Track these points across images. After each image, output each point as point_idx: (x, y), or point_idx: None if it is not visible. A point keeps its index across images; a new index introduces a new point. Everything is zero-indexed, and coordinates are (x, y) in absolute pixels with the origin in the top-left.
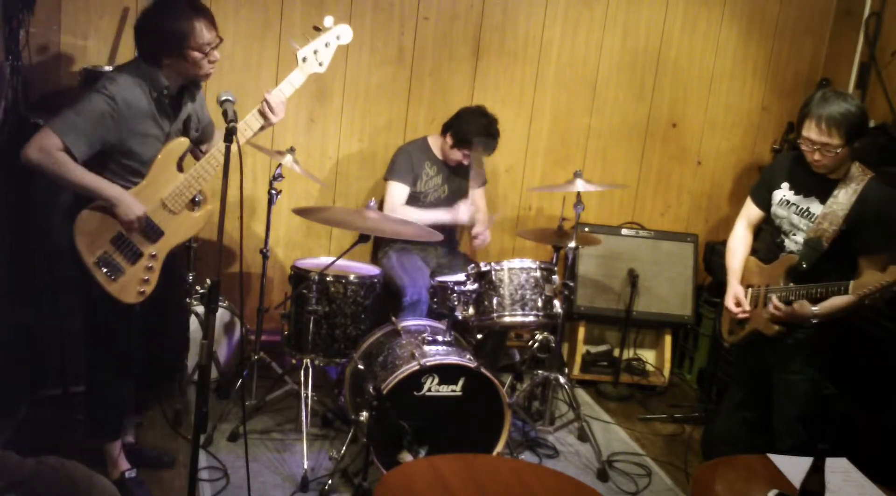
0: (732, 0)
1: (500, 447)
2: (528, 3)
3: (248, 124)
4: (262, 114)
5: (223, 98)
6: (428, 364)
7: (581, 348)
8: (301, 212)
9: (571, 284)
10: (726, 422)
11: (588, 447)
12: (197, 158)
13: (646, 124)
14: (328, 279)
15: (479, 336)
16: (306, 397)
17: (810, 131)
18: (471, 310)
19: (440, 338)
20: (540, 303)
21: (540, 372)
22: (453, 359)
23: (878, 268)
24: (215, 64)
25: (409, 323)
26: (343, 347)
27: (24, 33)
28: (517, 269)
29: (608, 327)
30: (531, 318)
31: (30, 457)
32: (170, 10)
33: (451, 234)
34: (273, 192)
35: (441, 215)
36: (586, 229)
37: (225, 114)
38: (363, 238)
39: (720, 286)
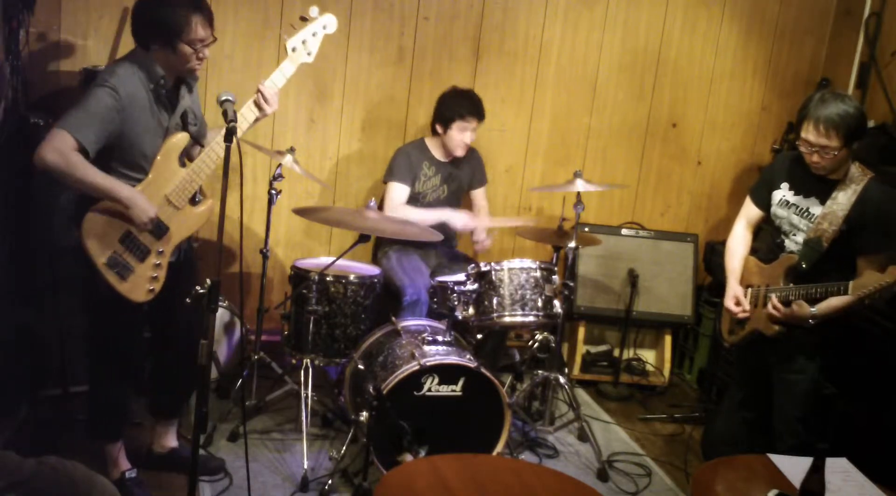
0: (732, 0)
1: (500, 447)
2: (528, 3)
3: (244, 116)
4: (258, 105)
5: (223, 98)
6: (428, 364)
7: (581, 348)
8: (301, 212)
9: (571, 284)
10: (726, 423)
11: (588, 447)
12: (191, 154)
13: (646, 124)
14: (328, 279)
15: (479, 336)
16: (306, 397)
17: (808, 133)
18: (471, 310)
19: (440, 338)
20: (540, 303)
21: (540, 372)
22: (453, 359)
23: (877, 268)
24: (203, 61)
25: (409, 323)
26: (343, 347)
27: (24, 33)
28: (517, 269)
29: (608, 327)
30: (531, 318)
31: (30, 457)
32: (172, 1)
33: (450, 235)
34: (273, 192)
35: (440, 214)
36: (586, 229)
37: (225, 114)
38: (363, 238)
39: (720, 286)
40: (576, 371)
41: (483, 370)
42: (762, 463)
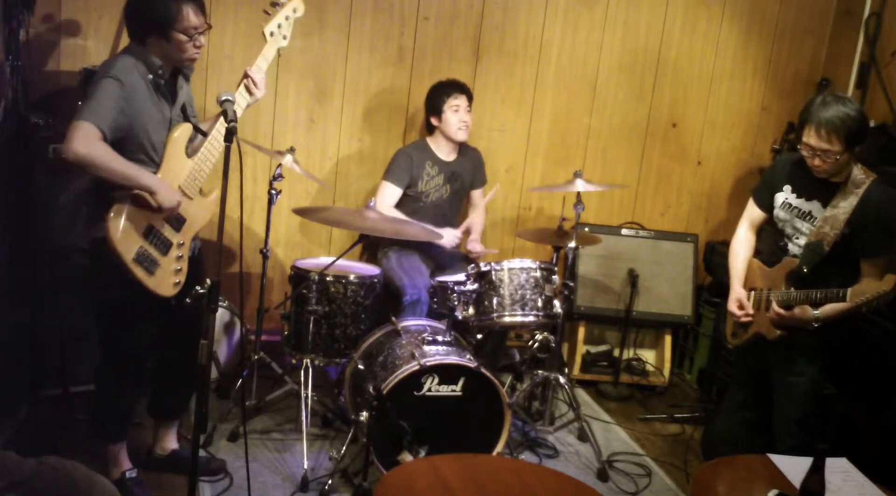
0: (732, 0)
1: (500, 447)
2: (528, 3)
3: (238, 103)
4: (248, 89)
5: (223, 98)
6: (428, 364)
7: (581, 348)
8: (301, 212)
9: (571, 284)
10: (726, 423)
11: (588, 447)
12: (194, 145)
13: (646, 124)
14: (328, 279)
15: (479, 336)
16: (306, 397)
17: (810, 137)
18: (471, 310)
19: (440, 338)
20: (540, 303)
21: (540, 372)
22: (453, 359)
23: (878, 271)
24: (200, 49)
25: (409, 323)
26: (343, 347)
27: (24, 33)
28: (517, 269)
29: (608, 327)
30: (531, 318)
31: (30, 457)
32: None
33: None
34: (273, 192)
35: (427, 232)
36: (586, 229)
37: (225, 114)
38: (363, 238)
39: (720, 286)
40: (576, 371)
41: (483, 370)
42: (762, 463)
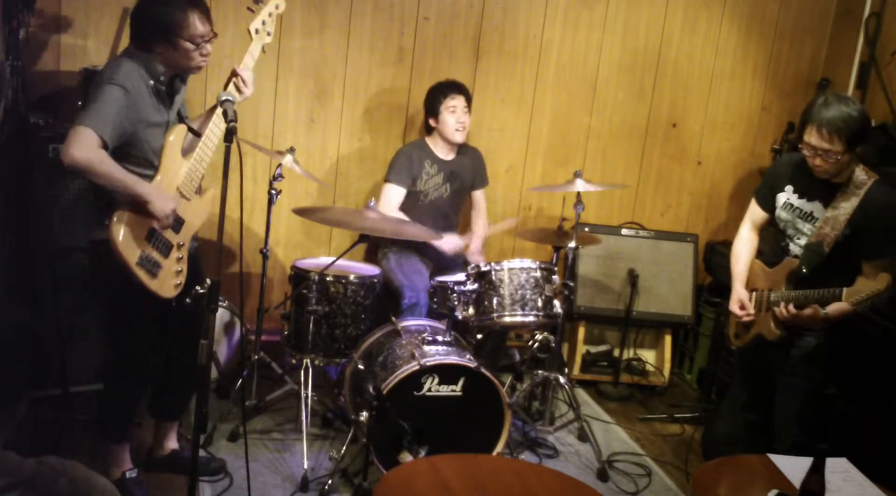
0: (732, 0)
1: (500, 447)
2: (528, 3)
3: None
4: (238, 88)
5: (223, 98)
6: (428, 364)
7: (581, 348)
8: (301, 212)
9: (571, 284)
10: (728, 423)
11: (588, 447)
12: (188, 145)
13: (646, 124)
14: (328, 279)
15: (479, 336)
16: (306, 397)
17: (811, 137)
18: (471, 310)
19: (440, 338)
20: (540, 303)
21: (540, 372)
22: (453, 359)
23: (879, 272)
24: (207, 57)
25: (409, 323)
26: (343, 347)
27: (24, 33)
28: (517, 269)
29: (608, 327)
30: (531, 318)
31: (30, 457)
32: (168, 1)
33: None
34: (273, 192)
35: (429, 234)
36: (586, 229)
37: (225, 114)
38: (363, 238)
39: (720, 286)
40: (576, 371)
41: (483, 370)
42: (762, 463)
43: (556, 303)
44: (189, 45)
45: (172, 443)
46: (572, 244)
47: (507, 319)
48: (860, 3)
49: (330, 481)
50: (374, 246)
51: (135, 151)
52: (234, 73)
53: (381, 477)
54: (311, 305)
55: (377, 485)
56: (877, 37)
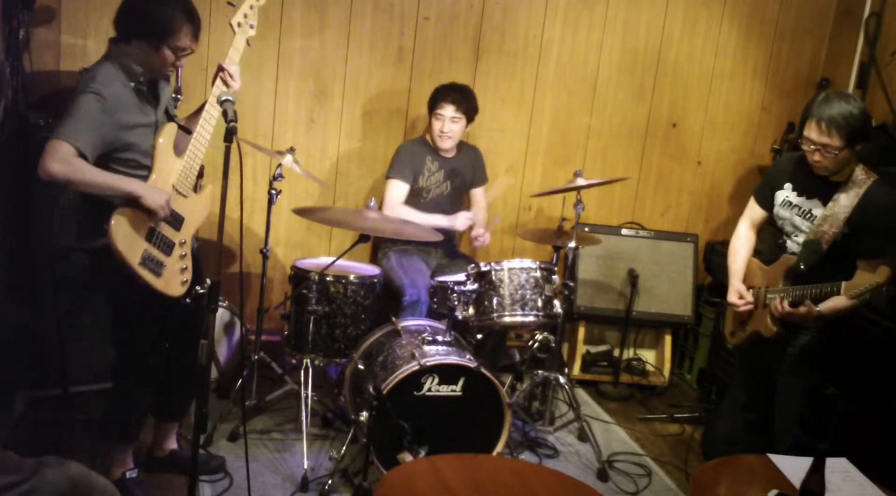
0: (732, 0)
1: (500, 447)
2: (528, 3)
3: (217, 96)
4: (225, 82)
5: (223, 98)
6: (428, 364)
7: (581, 348)
8: (301, 212)
9: (571, 284)
10: (728, 423)
11: (588, 447)
12: (179, 143)
13: (646, 124)
14: (328, 279)
15: (479, 336)
16: (306, 397)
17: (811, 131)
18: (471, 310)
19: (440, 338)
20: (540, 303)
21: (540, 372)
22: (453, 359)
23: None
24: (176, 69)
25: (409, 323)
26: (343, 347)
27: (24, 33)
28: (517, 269)
29: (608, 327)
30: (531, 318)
31: (29, 457)
32: (168, 3)
33: (450, 235)
34: (273, 191)
35: (439, 220)
36: (586, 229)
37: (225, 114)
38: (363, 238)
39: (720, 286)
40: (576, 371)
41: (483, 370)
42: (762, 463)
43: (556, 303)
44: (170, 55)
45: (171, 444)
46: (572, 244)
47: (507, 319)
48: (860, 3)
49: (330, 481)
50: (374, 245)
51: (124, 155)
52: (220, 68)
53: (381, 477)
54: (311, 305)
55: (377, 485)
56: (877, 37)
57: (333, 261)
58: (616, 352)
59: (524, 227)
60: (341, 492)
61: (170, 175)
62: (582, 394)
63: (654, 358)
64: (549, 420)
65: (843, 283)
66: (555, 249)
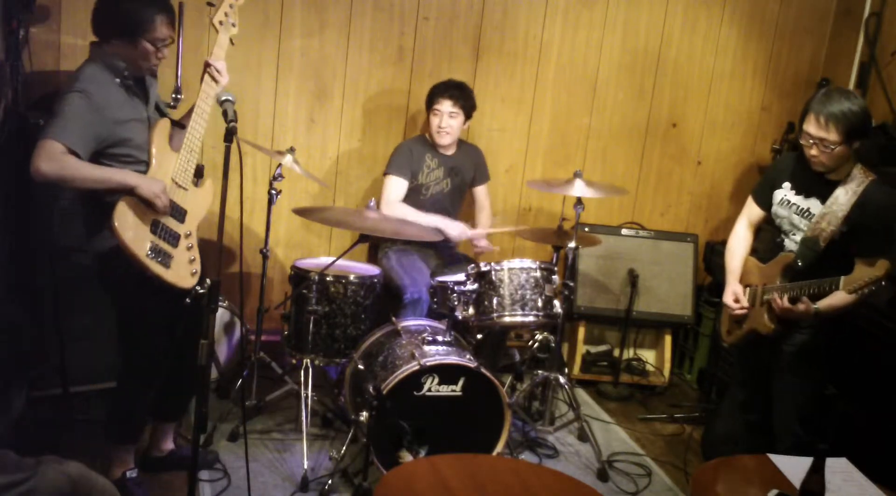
0: (732, 0)
1: (500, 447)
2: (528, 3)
3: (206, 92)
4: (213, 78)
5: (223, 98)
6: (428, 364)
7: (581, 348)
8: (301, 212)
9: (571, 284)
10: (727, 423)
11: (588, 447)
12: (173, 138)
13: (646, 124)
14: (328, 279)
15: (479, 336)
16: (306, 397)
17: (809, 126)
18: (471, 310)
19: (440, 338)
20: (540, 303)
21: (540, 372)
22: (453, 359)
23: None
24: (161, 61)
25: (409, 323)
26: (343, 347)
27: (24, 33)
28: (517, 269)
29: (608, 327)
30: (531, 318)
31: (29, 457)
32: None
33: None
34: (273, 191)
35: (435, 220)
36: (586, 229)
37: (225, 114)
38: (363, 238)
39: (720, 286)
40: (576, 371)
41: (483, 370)
42: (762, 463)
43: (556, 303)
44: (149, 47)
45: (169, 444)
46: (572, 244)
47: (507, 319)
48: (860, 3)
49: (330, 481)
50: (374, 245)
51: (119, 150)
52: (207, 65)
53: (381, 477)
54: (311, 305)
55: (377, 485)
56: (877, 37)
57: (333, 261)
58: (616, 352)
59: (523, 231)
60: (341, 492)
61: (168, 169)
62: (582, 394)
63: (654, 358)
64: (549, 420)
65: (843, 278)
66: (555, 249)
